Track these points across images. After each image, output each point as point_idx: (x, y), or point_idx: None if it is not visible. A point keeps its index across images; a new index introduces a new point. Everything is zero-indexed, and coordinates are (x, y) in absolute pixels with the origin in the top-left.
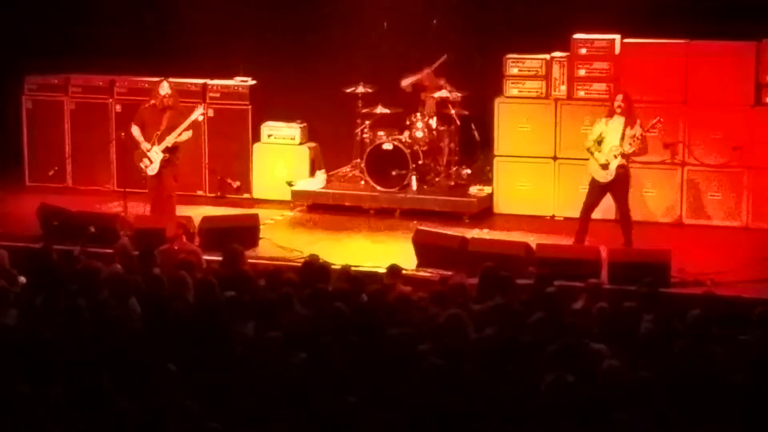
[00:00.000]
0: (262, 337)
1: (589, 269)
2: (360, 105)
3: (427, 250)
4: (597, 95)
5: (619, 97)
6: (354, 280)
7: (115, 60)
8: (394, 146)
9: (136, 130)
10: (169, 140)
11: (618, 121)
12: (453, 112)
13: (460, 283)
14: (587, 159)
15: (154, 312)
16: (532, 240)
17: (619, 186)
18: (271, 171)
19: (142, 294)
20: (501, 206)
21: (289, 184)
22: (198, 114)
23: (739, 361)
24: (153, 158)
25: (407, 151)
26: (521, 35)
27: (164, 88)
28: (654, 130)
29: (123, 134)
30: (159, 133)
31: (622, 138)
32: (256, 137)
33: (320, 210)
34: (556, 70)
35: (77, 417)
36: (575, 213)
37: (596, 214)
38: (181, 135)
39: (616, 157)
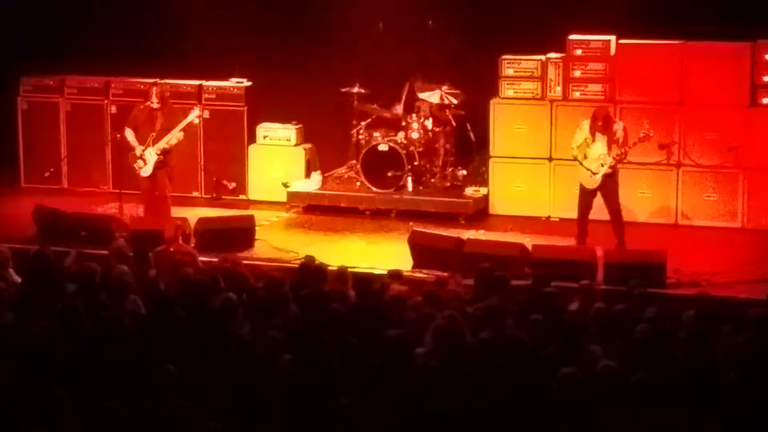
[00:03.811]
0: (258, 338)
1: (585, 270)
2: (355, 106)
3: (422, 251)
4: (592, 96)
5: (599, 120)
6: (350, 281)
7: (111, 61)
8: (390, 147)
9: (130, 134)
10: (164, 142)
11: (601, 137)
12: (448, 113)
13: (457, 286)
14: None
15: (152, 312)
16: (528, 241)
17: (608, 188)
18: (267, 172)
19: (138, 295)
20: (496, 207)
21: (285, 185)
22: (194, 116)
23: (735, 361)
24: (147, 160)
25: (403, 152)
26: (517, 36)
27: (153, 97)
28: (640, 144)
29: (118, 135)
30: (154, 135)
31: (609, 149)
32: (252, 138)
33: (316, 211)
34: (551, 71)
35: (75, 418)
36: (571, 214)
37: (592, 215)
38: (174, 138)
39: (602, 165)
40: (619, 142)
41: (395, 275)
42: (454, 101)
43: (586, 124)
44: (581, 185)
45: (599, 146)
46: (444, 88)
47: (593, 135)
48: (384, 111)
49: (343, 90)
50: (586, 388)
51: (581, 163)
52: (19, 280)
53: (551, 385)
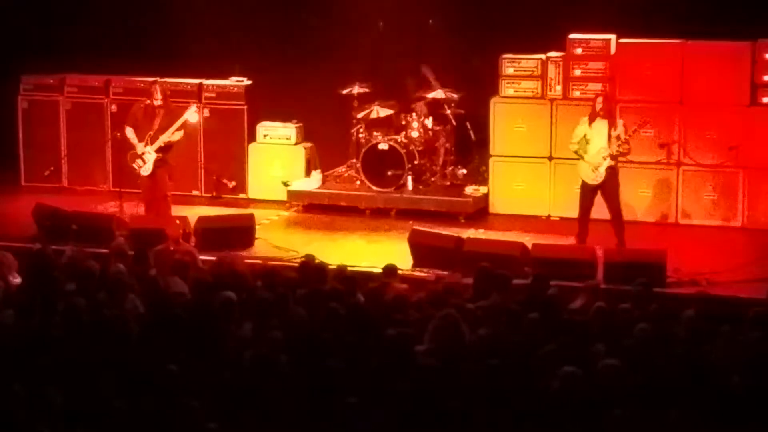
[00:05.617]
0: (259, 338)
1: (585, 269)
2: (356, 105)
3: (422, 250)
4: (592, 95)
5: (599, 99)
6: (350, 280)
7: (111, 60)
8: (390, 146)
9: (130, 132)
10: (162, 140)
11: (602, 123)
12: (449, 112)
13: (456, 282)
14: (578, 160)
15: (152, 312)
16: (528, 240)
17: (609, 186)
18: (267, 171)
19: (139, 294)
20: (497, 206)
21: (285, 184)
22: (190, 113)
23: (735, 361)
24: (147, 158)
25: (403, 151)
26: (517, 35)
27: (156, 96)
28: (641, 131)
29: (118, 134)
30: (152, 133)
31: (609, 139)
32: (252, 137)
33: (316, 210)
34: (551, 70)
35: (74, 418)
36: (571, 213)
37: (592, 214)
38: (173, 135)
39: (605, 159)
40: (620, 137)
41: (390, 271)
42: (455, 95)
43: (585, 120)
44: (582, 182)
45: (599, 140)
46: (444, 87)
47: (594, 119)
48: (384, 110)
49: (344, 92)
50: (586, 387)
51: (582, 157)
52: (19, 281)
53: (551, 383)
